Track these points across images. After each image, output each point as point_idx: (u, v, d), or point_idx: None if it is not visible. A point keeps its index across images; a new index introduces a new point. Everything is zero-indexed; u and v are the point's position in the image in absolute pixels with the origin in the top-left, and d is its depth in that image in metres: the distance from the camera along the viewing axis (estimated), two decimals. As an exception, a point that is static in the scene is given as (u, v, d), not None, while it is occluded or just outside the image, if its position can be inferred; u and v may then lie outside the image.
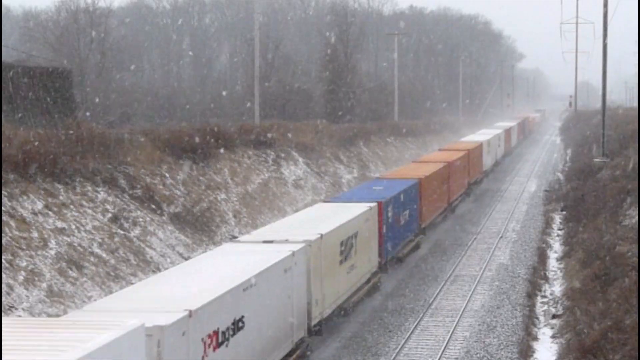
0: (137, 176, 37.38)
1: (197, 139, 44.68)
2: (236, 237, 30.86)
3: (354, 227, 26.90)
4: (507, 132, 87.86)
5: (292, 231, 23.83)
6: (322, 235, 23.17)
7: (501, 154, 79.95)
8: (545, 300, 30.01)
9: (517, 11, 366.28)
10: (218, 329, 15.86)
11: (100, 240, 30.46)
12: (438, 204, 44.03)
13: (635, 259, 25.61)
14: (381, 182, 38.02)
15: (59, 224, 29.45)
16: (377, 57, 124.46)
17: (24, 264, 25.95)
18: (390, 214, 31.98)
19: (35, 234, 27.82)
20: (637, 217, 31.83)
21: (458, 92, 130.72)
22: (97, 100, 63.12)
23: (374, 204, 30.03)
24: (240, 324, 17.08)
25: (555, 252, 38.22)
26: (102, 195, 33.59)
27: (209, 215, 39.50)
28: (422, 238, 39.96)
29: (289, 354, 20.76)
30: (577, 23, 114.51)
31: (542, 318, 27.82)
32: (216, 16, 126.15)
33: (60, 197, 31.18)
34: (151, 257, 32.03)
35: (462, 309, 28.77)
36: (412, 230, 37.39)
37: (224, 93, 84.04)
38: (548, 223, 45.40)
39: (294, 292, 20.93)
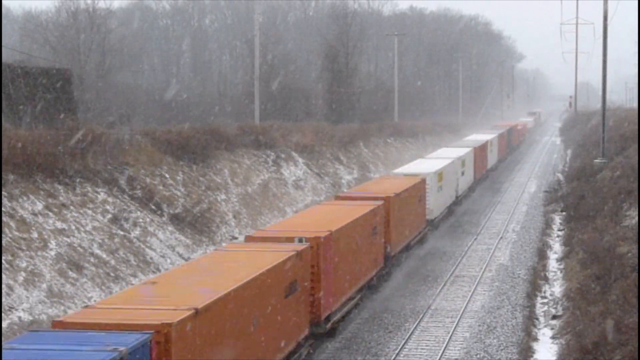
0: (137, 177, 37.39)
1: (197, 140, 44.71)
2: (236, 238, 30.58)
3: None
4: (480, 149, 61.03)
5: None
6: None
7: (468, 184, 54.93)
8: (545, 301, 30.01)
9: (517, 11, 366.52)
10: None
11: (100, 241, 30.47)
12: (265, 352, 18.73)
13: (635, 260, 25.61)
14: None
15: (59, 225, 29.46)
16: (377, 58, 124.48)
17: (24, 264, 25.95)
18: None
19: (35, 235, 27.82)
20: (637, 218, 31.84)
21: (458, 92, 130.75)
22: (97, 100, 63.13)
23: None
24: None
25: (555, 252, 38.22)
26: (102, 195, 33.60)
27: (209, 216, 39.51)
28: None
29: None
30: (577, 23, 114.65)
31: (542, 319, 27.82)
32: (216, 16, 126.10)
33: (60, 198, 31.19)
34: (151, 258, 32.03)
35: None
36: None
37: (223, 93, 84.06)
38: (548, 224, 45.39)
39: None
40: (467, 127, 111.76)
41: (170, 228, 35.74)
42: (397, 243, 32.77)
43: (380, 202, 30.32)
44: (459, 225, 46.37)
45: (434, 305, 29.12)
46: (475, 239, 41.81)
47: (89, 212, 31.84)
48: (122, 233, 32.20)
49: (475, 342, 25.17)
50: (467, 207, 52.83)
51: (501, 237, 42.32)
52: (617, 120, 69.41)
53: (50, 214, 29.72)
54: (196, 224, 37.76)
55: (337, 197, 33.24)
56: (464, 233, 43.73)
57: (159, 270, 30.89)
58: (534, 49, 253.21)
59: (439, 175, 42.88)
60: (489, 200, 56.35)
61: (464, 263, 36.35)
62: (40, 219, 28.99)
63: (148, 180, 38.04)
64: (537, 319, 27.81)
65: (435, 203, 41.64)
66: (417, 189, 37.36)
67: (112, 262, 29.80)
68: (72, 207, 31.19)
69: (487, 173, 67.62)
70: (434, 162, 46.84)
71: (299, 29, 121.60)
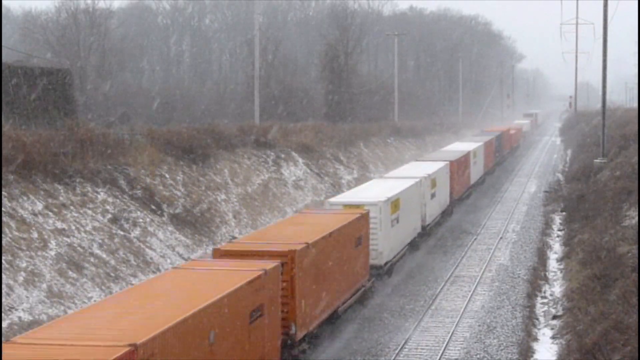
0: (137, 177, 37.38)
1: (197, 140, 44.70)
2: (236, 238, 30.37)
3: None
4: (459, 163, 48.65)
5: None
6: None
7: (441, 208, 43.38)
8: (545, 301, 30.01)
9: (517, 11, 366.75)
10: None
11: (100, 241, 30.46)
12: None
13: (635, 260, 25.61)
14: None
15: (59, 225, 29.45)
16: (377, 58, 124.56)
17: (24, 264, 25.95)
18: None
19: (35, 235, 27.82)
20: (637, 218, 31.83)
21: (458, 92, 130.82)
22: (97, 100, 63.19)
23: None
24: None
25: (555, 252, 38.22)
26: (102, 195, 33.59)
27: (209, 216, 39.50)
28: None
29: None
30: (577, 24, 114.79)
31: (542, 319, 27.82)
32: (216, 16, 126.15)
33: (60, 198, 31.18)
34: (151, 258, 32.03)
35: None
36: None
37: (223, 94, 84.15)
38: (548, 224, 45.38)
39: None
40: (467, 127, 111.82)
41: (170, 228, 35.73)
42: (312, 317, 21.88)
43: (274, 264, 19.26)
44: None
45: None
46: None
47: (89, 212, 31.84)
48: (122, 233, 32.19)
49: (476, 342, 25.19)
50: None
51: (498, 244, 42.30)
52: (617, 120, 69.39)
53: (50, 214, 29.72)
54: (196, 223, 37.76)
55: (217, 252, 21.24)
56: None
57: (159, 270, 30.88)
58: (534, 49, 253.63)
59: (394, 204, 31.51)
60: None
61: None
62: (40, 219, 28.99)
63: (148, 180, 38.04)
64: (537, 319, 27.81)
65: (386, 242, 30.38)
66: (355, 228, 26.15)
67: (112, 262, 29.79)
68: (72, 207, 31.18)
69: (470, 190, 55.20)
70: (390, 184, 35.13)
71: (299, 29, 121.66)
